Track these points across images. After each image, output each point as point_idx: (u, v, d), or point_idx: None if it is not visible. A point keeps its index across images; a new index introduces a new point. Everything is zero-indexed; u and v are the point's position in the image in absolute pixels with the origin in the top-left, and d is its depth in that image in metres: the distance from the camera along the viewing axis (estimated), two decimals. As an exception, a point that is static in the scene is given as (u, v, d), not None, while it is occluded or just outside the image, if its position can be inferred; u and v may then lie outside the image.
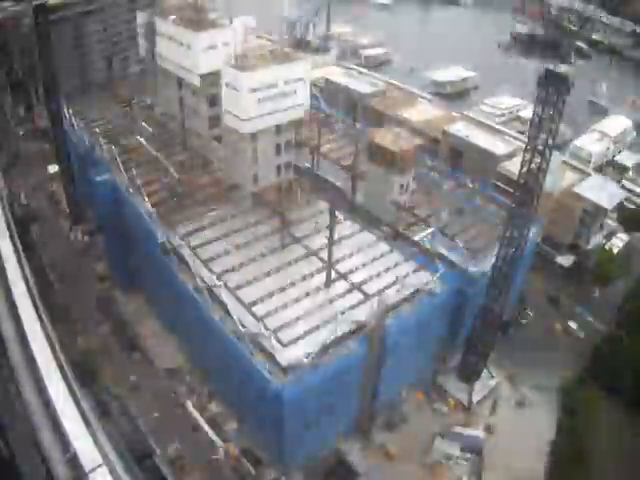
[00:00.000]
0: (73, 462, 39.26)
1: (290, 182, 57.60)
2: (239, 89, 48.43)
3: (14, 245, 60.15)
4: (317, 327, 42.47)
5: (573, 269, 71.45)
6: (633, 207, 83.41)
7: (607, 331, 63.14)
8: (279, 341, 40.90)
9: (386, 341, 43.28)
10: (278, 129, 53.93)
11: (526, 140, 41.13)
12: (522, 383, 56.62)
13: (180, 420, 51.07)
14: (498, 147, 71.97)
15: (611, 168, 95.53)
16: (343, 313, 42.35)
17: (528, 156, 40.33)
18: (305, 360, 40.01)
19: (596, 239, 73.67)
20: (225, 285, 44.72)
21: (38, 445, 41.07)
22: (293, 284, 46.79)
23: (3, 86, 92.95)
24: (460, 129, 75.84)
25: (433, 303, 47.35)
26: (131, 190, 54.37)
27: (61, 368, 46.79)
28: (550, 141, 39.20)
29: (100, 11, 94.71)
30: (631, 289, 69.61)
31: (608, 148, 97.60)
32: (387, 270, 48.50)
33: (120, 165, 56.79)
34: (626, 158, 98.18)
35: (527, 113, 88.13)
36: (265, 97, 49.52)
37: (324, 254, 47.35)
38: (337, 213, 49.00)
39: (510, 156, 70.13)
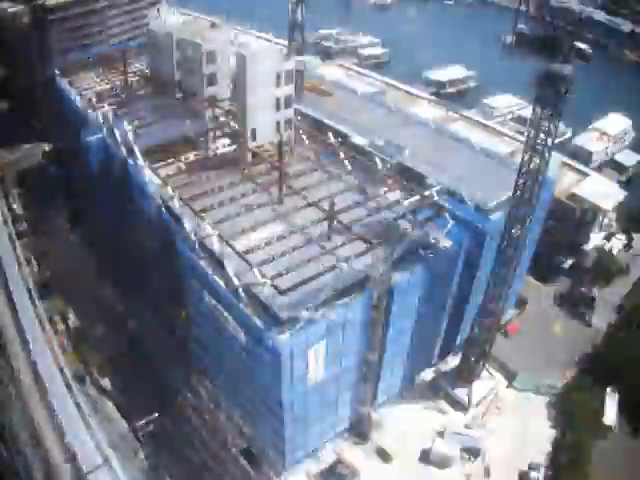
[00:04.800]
0: (73, 462, 39.41)
1: (290, 138, 55.89)
2: None
3: (13, 245, 60.41)
4: (317, 275, 39.72)
5: (572, 269, 71.55)
6: (632, 207, 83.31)
7: (607, 331, 63.13)
8: (276, 288, 38.19)
9: (392, 293, 40.93)
10: (278, 81, 52.19)
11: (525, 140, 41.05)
12: (522, 383, 56.67)
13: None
14: (498, 147, 71.84)
15: (610, 168, 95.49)
16: (346, 261, 39.82)
17: (527, 156, 40.34)
18: (304, 312, 37.25)
19: (595, 239, 73.73)
20: (219, 235, 42.24)
21: (38, 446, 41.21)
22: (292, 233, 44.19)
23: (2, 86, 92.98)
24: (459, 130, 75.68)
25: (443, 256, 44.66)
26: (124, 149, 51.90)
27: (61, 368, 46.97)
28: (549, 141, 39.20)
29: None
30: (630, 289, 69.61)
31: (607, 147, 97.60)
32: (393, 220, 45.50)
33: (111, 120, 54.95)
34: (626, 157, 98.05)
35: (527, 112, 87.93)
36: None
37: (325, 206, 45.33)
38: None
39: (511, 156, 70.01)
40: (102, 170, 55.53)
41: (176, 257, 45.74)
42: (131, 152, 50.85)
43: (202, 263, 41.84)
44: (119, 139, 52.48)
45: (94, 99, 59.40)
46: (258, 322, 37.45)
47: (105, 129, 54.57)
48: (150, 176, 48.67)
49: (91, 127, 55.84)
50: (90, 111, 57.99)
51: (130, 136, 51.68)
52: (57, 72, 66.86)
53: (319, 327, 38.03)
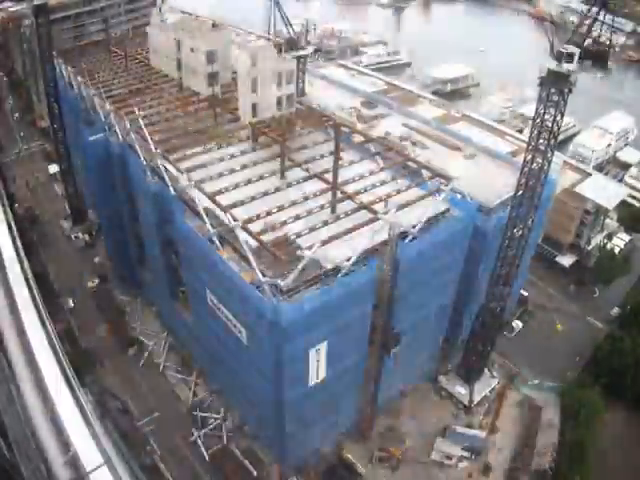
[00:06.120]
0: (73, 462, 39.33)
1: (291, 114, 55.34)
2: None
3: (15, 245, 60.38)
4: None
5: (574, 269, 71.44)
6: (635, 206, 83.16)
7: (608, 331, 62.98)
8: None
9: (399, 264, 39.12)
10: (279, 80, 51.63)
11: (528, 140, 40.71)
12: (523, 383, 56.60)
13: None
14: (500, 147, 71.57)
15: (613, 165, 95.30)
16: (350, 231, 38.46)
17: (529, 156, 40.08)
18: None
19: (597, 239, 73.60)
20: (218, 205, 41.16)
21: (38, 446, 41.14)
22: (294, 203, 42.61)
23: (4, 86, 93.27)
24: (461, 129, 75.39)
25: (449, 227, 43.43)
26: (131, 136, 51.01)
27: (62, 369, 46.90)
28: (552, 141, 38.93)
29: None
30: (632, 289, 69.45)
31: (609, 145, 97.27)
32: (397, 193, 44.30)
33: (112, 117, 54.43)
34: (629, 155, 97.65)
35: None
36: None
37: (328, 178, 43.96)
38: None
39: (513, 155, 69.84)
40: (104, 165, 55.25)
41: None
42: (131, 147, 50.83)
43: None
44: (120, 136, 52.51)
45: (97, 97, 59.38)
46: (255, 289, 35.74)
47: (107, 127, 54.61)
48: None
49: (94, 125, 55.86)
50: (92, 110, 58.01)
51: (132, 133, 51.61)
52: (59, 71, 66.90)
53: (322, 294, 36.17)
